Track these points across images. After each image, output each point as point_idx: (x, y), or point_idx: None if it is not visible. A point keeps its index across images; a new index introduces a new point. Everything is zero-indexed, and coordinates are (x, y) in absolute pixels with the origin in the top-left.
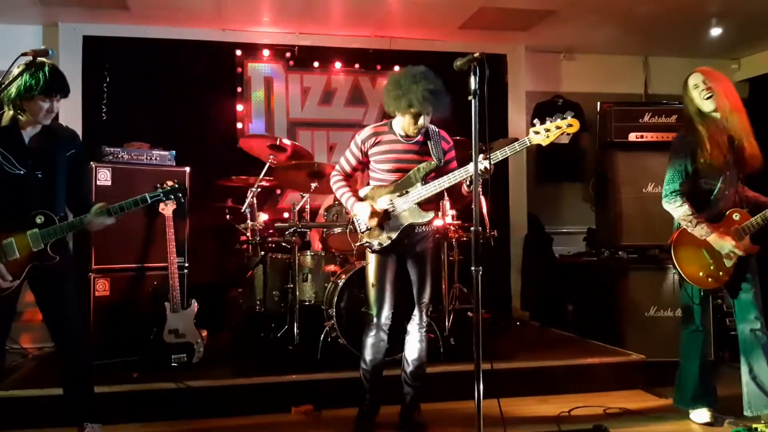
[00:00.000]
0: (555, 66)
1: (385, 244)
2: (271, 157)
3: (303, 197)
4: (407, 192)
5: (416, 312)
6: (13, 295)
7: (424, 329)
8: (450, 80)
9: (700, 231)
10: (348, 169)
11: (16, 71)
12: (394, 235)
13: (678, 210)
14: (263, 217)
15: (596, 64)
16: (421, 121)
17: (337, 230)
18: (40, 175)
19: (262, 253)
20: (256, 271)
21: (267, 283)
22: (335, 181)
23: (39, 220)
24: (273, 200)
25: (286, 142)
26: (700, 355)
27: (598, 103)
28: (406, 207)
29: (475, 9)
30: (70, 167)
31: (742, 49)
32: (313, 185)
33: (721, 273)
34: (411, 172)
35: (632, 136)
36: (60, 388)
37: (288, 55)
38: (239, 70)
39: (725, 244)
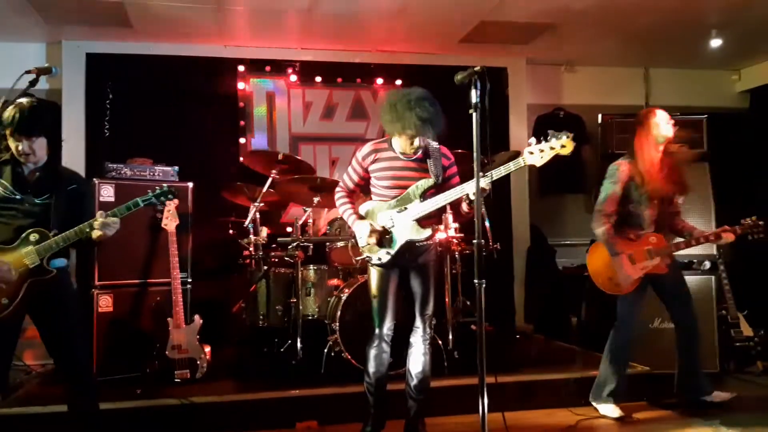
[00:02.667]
0: (556, 78)
1: (384, 260)
2: (274, 171)
3: (305, 211)
4: (406, 208)
5: (419, 324)
6: (16, 318)
7: (428, 341)
8: (451, 94)
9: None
10: (350, 185)
11: (5, 113)
12: (393, 251)
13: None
14: (266, 231)
15: (597, 76)
16: (416, 142)
17: (340, 244)
18: (38, 201)
19: (265, 267)
20: (259, 285)
21: (270, 298)
22: (339, 197)
23: (33, 237)
24: (276, 215)
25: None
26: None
27: (600, 115)
28: (405, 223)
29: (475, 23)
30: (71, 199)
31: (743, 60)
32: (316, 199)
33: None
34: (410, 188)
35: None
36: (63, 405)
37: (290, 70)
38: (241, 85)
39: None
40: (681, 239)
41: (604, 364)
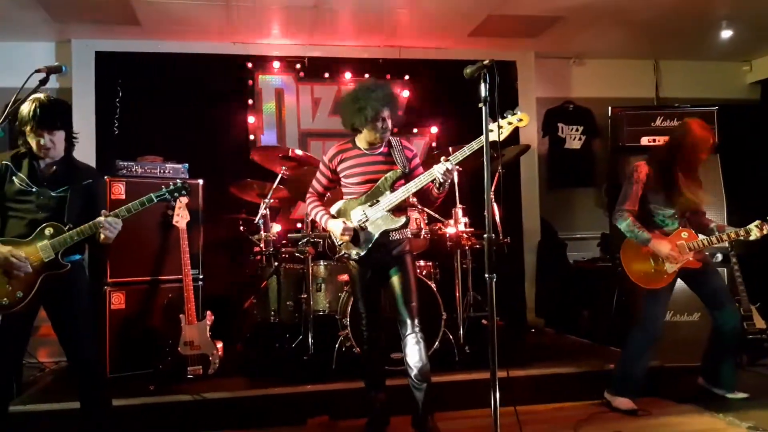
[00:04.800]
0: (565, 72)
1: (362, 253)
2: (284, 168)
3: None
4: (378, 201)
5: (405, 317)
6: (31, 311)
7: (418, 330)
8: (460, 88)
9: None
10: (320, 188)
11: (22, 108)
12: (369, 244)
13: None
14: (276, 228)
15: (606, 68)
16: (387, 124)
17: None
18: (53, 194)
19: (276, 263)
20: (270, 281)
21: (281, 294)
22: (309, 201)
23: (48, 231)
24: (286, 211)
25: (298, 152)
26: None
27: (609, 108)
28: (379, 215)
29: (483, 17)
30: (85, 194)
31: (754, 50)
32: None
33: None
34: (379, 181)
35: (644, 140)
36: (77, 402)
37: (298, 66)
38: (250, 82)
39: (662, 248)
40: (711, 236)
41: (623, 359)
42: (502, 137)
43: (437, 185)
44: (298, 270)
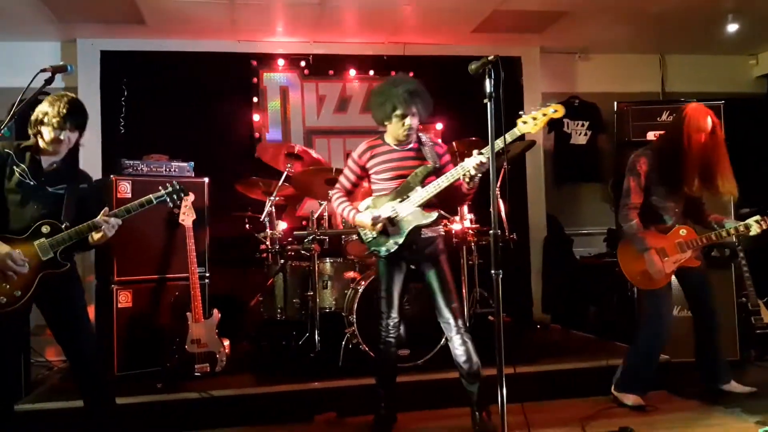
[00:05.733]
0: (570, 67)
1: (392, 250)
2: (289, 165)
3: (321, 205)
4: (408, 197)
5: (449, 318)
6: (26, 311)
7: (464, 330)
8: (465, 84)
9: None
10: (348, 185)
11: (44, 104)
12: (400, 240)
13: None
14: (282, 225)
15: (612, 63)
16: (407, 121)
17: (356, 236)
18: (51, 190)
19: (282, 261)
20: (276, 279)
21: (287, 291)
22: (336, 197)
23: (45, 229)
24: (291, 208)
25: (312, 153)
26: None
27: (615, 103)
28: (409, 211)
29: (488, 12)
30: (80, 197)
31: (760, 44)
32: (331, 192)
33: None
34: (409, 177)
35: (650, 135)
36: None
37: (303, 63)
38: (255, 80)
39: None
40: (711, 231)
41: (631, 356)
42: (536, 129)
43: (467, 179)
44: (305, 267)
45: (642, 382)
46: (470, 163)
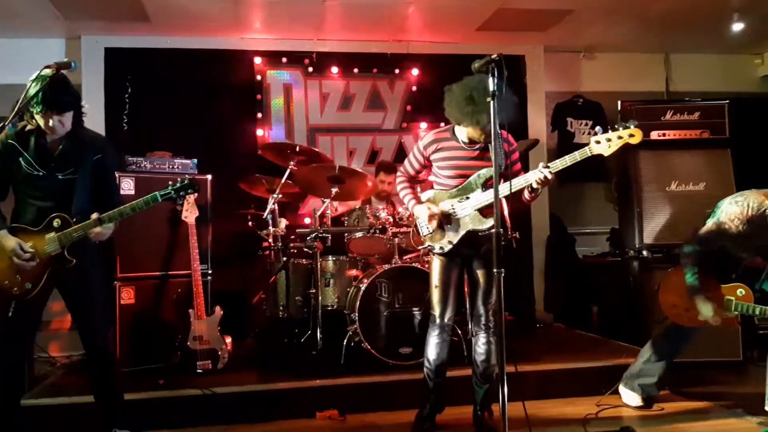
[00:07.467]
0: (574, 65)
1: (446, 249)
2: (292, 163)
3: (324, 202)
4: (468, 198)
5: (482, 313)
6: (38, 302)
7: (491, 330)
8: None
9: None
10: (412, 172)
11: (30, 88)
12: (455, 240)
13: None
14: (285, 223)
15: (616, 62)
16: (488, 129)
17: (359, 234)
18: (60, 177)
19: (285, 258)
20: (279, 276)
21: (290, 289)
22: (399, 182)
23: (56, 223)
24: (294, 206)
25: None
26: None
27: (619, 102)
28: (467, 213)
29: (492, 11)
30: (96, 172)
31: (765, 43)
32: (334, 190)
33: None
34: (472, 177)
35: (654, 135)
36: (88, 396)
37: (306, 61)
38: (258, 77)
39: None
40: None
41: (643, 358)
42: (609, 152)
43: (530, 190)
44: (307, 265)
45: (650, 384)
46: (533, 177)
